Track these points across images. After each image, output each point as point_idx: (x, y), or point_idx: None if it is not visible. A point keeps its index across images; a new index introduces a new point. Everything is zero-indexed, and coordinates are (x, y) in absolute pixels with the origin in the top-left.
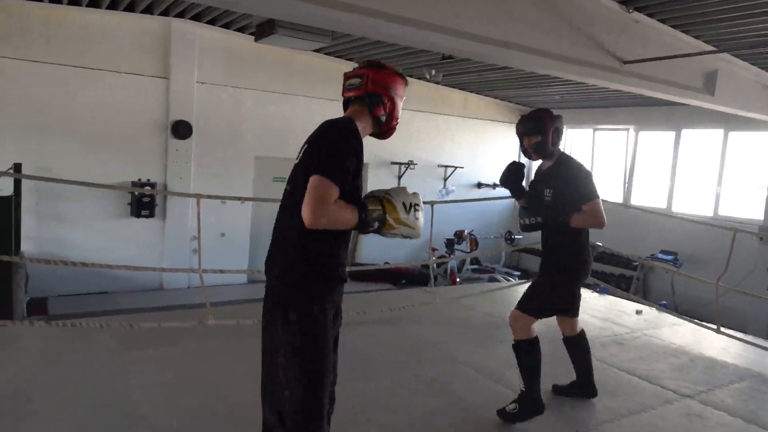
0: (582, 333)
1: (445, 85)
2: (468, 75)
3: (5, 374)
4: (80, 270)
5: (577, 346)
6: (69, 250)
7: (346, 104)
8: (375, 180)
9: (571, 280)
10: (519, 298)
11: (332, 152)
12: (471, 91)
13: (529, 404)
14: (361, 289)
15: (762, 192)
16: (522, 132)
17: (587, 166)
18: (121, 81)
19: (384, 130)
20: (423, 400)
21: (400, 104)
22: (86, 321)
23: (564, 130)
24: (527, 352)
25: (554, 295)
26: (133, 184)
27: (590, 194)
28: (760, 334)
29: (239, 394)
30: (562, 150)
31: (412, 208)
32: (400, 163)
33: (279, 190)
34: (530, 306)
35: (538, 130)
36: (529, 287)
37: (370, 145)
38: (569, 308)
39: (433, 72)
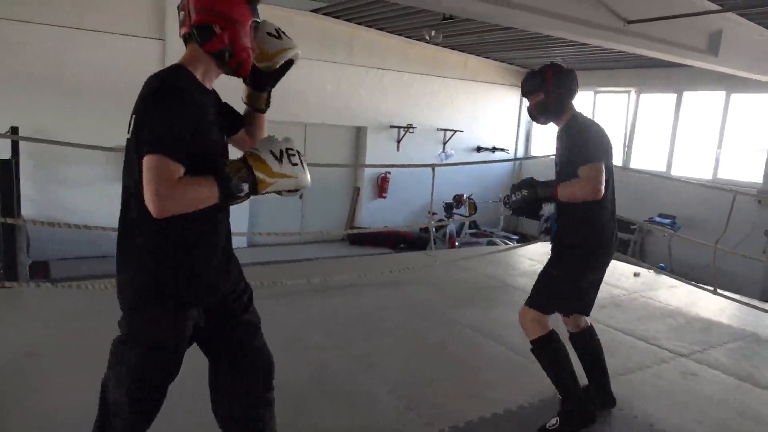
0: (588, 330)
1: (445, 47)
2: (469, 36)
3: (15, 334)
4: (80, 234)
5: (583, 344)
6: (69, 214)
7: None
8: (374, 144)
9: (571, 266)
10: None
11: (154, 123)
12: (471, 53)
13: (573, 415)
14: (360, 253)
15: (762, 155)
16: (524, 91)
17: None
18: (118, 43)
19: (233, 66)
20: (422, 360)
21: (244, 29)
22: (91, 283)
23: (575, 86)
24: (543, 351)
25: (555, 285)
26: None
27: (585, 157)
28: (755, 295)
29: None
30: (576, 111)
31: (285, 155)
32: (399, 127)
33: None
34: (535, 298)
35: (539, 87)
36: (538, 275)
37: (368, 108)
38: (566, 305)
39: (433, 33)
